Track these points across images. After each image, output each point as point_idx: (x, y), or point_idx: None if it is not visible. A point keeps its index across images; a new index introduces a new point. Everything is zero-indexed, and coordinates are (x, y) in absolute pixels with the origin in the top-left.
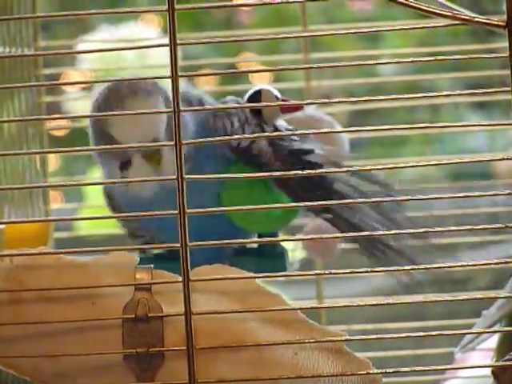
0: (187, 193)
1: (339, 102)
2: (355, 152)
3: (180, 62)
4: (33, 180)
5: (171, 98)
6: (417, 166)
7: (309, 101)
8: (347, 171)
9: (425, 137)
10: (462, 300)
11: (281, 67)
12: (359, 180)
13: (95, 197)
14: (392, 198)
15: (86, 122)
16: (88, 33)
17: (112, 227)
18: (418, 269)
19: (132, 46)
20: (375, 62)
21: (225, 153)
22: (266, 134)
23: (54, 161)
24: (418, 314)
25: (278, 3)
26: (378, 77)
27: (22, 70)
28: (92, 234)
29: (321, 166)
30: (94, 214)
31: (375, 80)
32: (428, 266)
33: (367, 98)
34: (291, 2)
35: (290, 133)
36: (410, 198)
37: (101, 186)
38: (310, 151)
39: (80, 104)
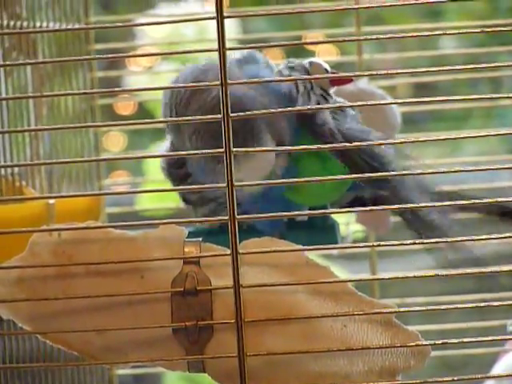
0: None
1: (385, 74)
2: (417, 127)
3: (242, 36)
4: (89, 156)
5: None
6: (477, 136)
7: (357, 73)
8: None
9: (486, 111)
10: None
11: (332, 39)
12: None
13: (155, 172)
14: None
15: (150, 97)
16: (148, 8)
17: (172, 201)
18: (478, 240)
19: (177, 20)
20: (430, 33)
21: (291, 122)
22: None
23: (120, 139)
24: (476, 289)
25: None
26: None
27: (73, 46)
28: (148, 209)
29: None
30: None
31: (432, 53)
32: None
33: (419, 69)
34: None
35: (348, 104)
36: (472, 168)
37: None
38: (367, 131)
39: (143, 80)
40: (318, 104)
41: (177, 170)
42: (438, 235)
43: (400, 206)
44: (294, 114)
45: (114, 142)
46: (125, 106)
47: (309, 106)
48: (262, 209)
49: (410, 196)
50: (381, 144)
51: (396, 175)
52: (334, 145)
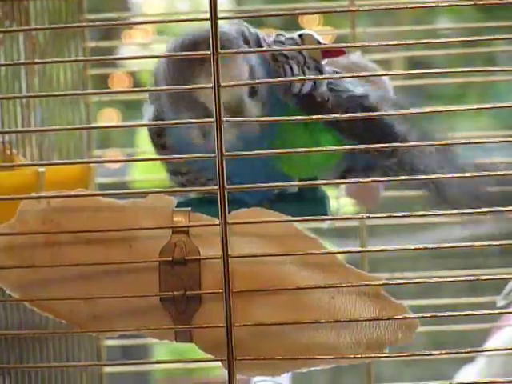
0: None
1: (377, 46)
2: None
3: (235, 7)
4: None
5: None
6: (472, 109)
7: (348, 44)
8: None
9: (481, 91)
10: None
11: (324, 10)
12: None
13: (146, 144)
14: (454, 142)
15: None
16: None
17: (162, 172)
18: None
19: None
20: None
21: (289, 100)
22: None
23: (114, 115)
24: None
25: None
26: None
27: (66, 16)
28: (138, 180)
29: (378, 110)
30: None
31: (426, 27)
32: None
33: (411, 41)
34: None
35: (339, 75)
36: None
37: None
38: (367, 95)
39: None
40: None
41: (157, 138)
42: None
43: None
44: (288, 92)
45: (108, 117)
46: (119, 80)
47: (305, 77)
48: (248, 178)
49: (421, 160)
50: (379, 115)
51: (401, 146)
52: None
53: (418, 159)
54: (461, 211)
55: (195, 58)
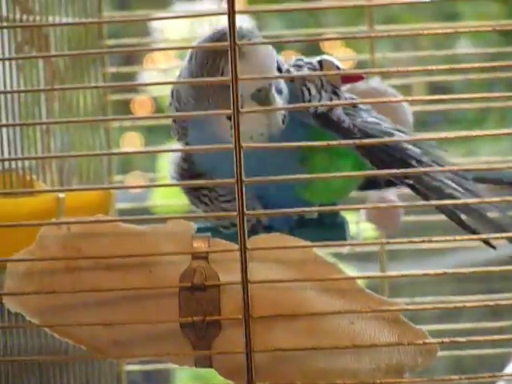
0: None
1: (396, 72)
2: (431, 129)
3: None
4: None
5: None
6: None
7: (367, 70)
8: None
9: (501, 115)
10: None
11: (343, 36)
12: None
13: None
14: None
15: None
16: (164, 8)
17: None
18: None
19: (189, 15)
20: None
21: (307, 119)
22: (341, 101)
23: (137, 139)
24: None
25: None
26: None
27: (86, 41)
28: (159, 205)
29: (393, 135)
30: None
31: (445, 53)
32: None
33: (430, 67)
34: None
35: (359, 101)
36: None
37: (170, 159)
38: (379, 123)
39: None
40: (331, 101)
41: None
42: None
43: (407, 204)
44: (307, 112)
45: (131, 141)
46: (141, 105)
47: (322, 102)
48: (272, 204)
49: (438, 183)
50: (397, 140)
51: (416, 172)
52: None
53: (433, 182)
54: (479, 237)
55: (218, 54)
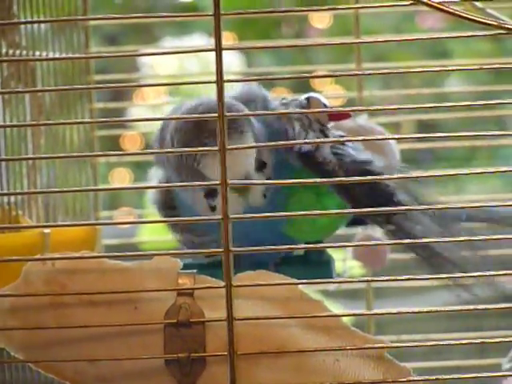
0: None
1: (383, 110)
2: (419, 167)
3: (246, 69)
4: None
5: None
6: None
7: (354, 108)
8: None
9: (490, 153)
10: None
11: (330, 73)
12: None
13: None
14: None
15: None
16: (152, 44)
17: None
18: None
19: (177, 51)
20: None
21: (292, 159)
22: (327, 139)
23: (126, 175)
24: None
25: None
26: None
27: (73, 77)
28: (146, 241)
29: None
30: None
31: (434, 91)
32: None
33: (418, 105)
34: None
35: (346, 139)
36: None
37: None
38: (370, 161)
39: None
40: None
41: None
42: (461, 270)
43: (392, 242)
44: (291, 152)
45: (119, 177)
46: (131, 140)
47: (307, 140)
48: (256, 239)
49: (419, 229)
50: (383, 179)
51: (400, 210)
52: (332, 179)
53: (416, 227)
54: (466, 274)
55: (203, 131)
